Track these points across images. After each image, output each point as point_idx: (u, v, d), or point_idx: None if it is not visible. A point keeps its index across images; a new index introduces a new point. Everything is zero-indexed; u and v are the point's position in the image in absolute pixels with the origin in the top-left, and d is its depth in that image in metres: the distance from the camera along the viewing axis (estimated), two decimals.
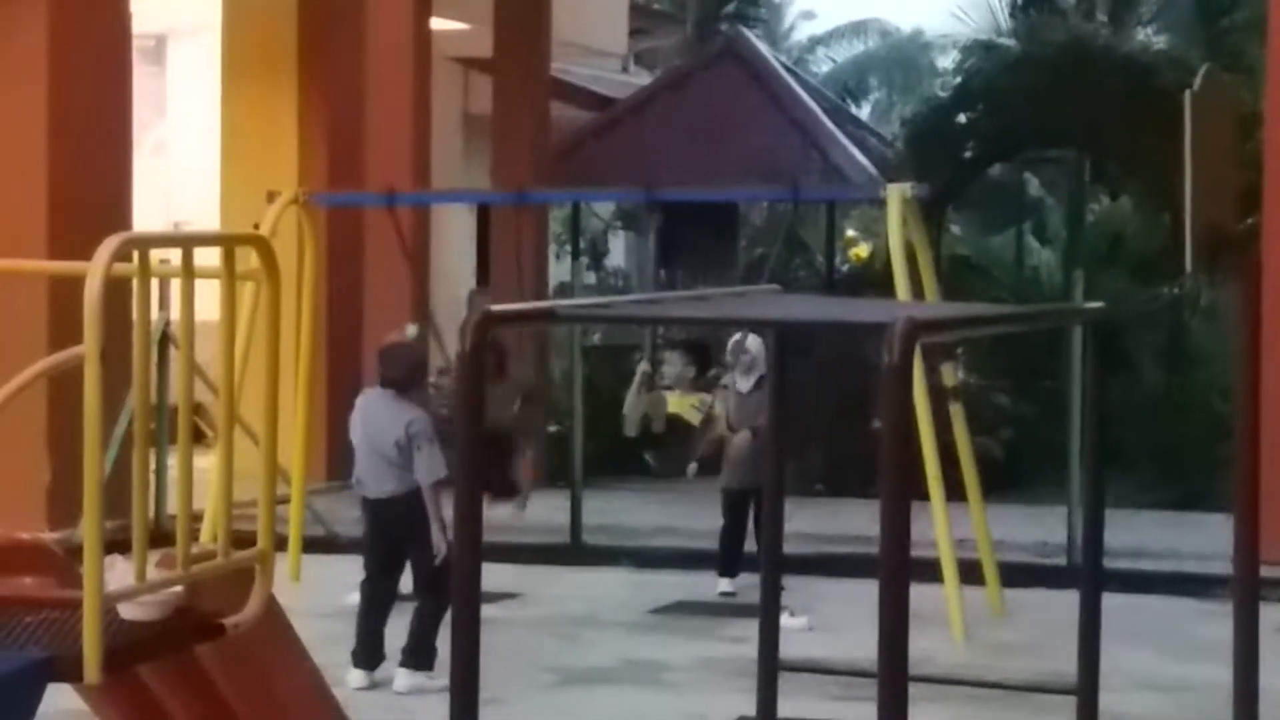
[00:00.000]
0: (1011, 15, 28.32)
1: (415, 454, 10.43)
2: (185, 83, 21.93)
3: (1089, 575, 5.69)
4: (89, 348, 4.58)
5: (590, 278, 23.86)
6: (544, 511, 15.48)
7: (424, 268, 16.56)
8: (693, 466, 13.58)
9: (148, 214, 17.21)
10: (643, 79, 28.06)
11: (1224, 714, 6.86)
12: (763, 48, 25.85)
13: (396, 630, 10.61)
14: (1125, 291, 19.99)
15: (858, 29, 39.12)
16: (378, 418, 10.72)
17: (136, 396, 4.95)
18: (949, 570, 11.98)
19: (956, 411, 12.78)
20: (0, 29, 14.36)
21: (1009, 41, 26.51)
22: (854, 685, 8.72)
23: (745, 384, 13.19)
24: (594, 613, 12.89)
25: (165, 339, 13.93)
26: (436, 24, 17.53)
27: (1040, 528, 15.01)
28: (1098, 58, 22.60)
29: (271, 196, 13.72)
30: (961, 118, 23.40)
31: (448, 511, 9.47)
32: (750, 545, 13.07)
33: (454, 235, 22.03)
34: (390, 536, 10.71)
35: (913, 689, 4.32)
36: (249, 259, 5.31)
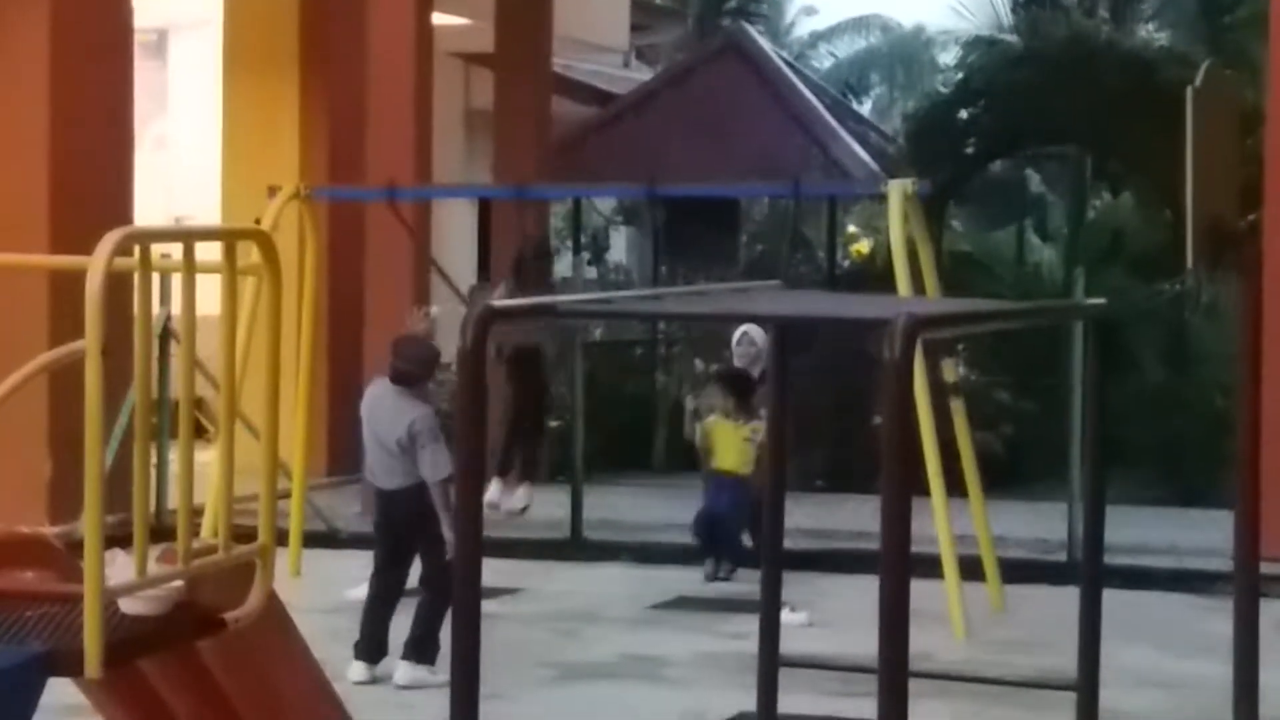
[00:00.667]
0: (1013, 11, 28.29)
1: (420, 452, 10.42)
2: (186, 77, 21.94)
3: (1089, 571, 5.69)
4: (90, 342, 4.58)
5: (591, 273, 23.84)
6: (545, 507, 15.49)
7: (426, 260, 16.54)
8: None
9: (149, 208, 17.22)
10: (644, 74, 28.05)
11: (1224, 710, 6.86)
12: (764, 43, 25.84)
13: (401, 625, 10.61)
14: (1126, 288, 19.98)
15: (859, 24, 39.10)
16: (383, 412, 10.71)
17: (138, 391, 4.95)
18: (949, 566, 11.98)
19: (957, 407, 12.77)
20: (2, 23, 14.36)
21: (1011, 37, 26.49)
22: (854, 681, 8.73)
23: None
24: (594, 608, 12.90)
25: (166, 333, 13.93)
26: (438, 19, 17.52)
27: (1041, 524, 15.01)
28: (1099, 54, 22.58)
29: (273, 191, 13.72)
30: (963, 114, 23.39)
31: None
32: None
33: (455, 231, 22.03)
34: (397, 529, 10.70)
35: (913, 685, 4.32)
36: (250, 254, 5.31)
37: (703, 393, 14.55)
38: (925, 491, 11.67)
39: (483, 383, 4.73)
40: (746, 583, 12.82)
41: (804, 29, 40.11)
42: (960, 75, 25.60)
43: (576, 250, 16.12)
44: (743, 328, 13.66)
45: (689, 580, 13.65)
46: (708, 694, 10.31)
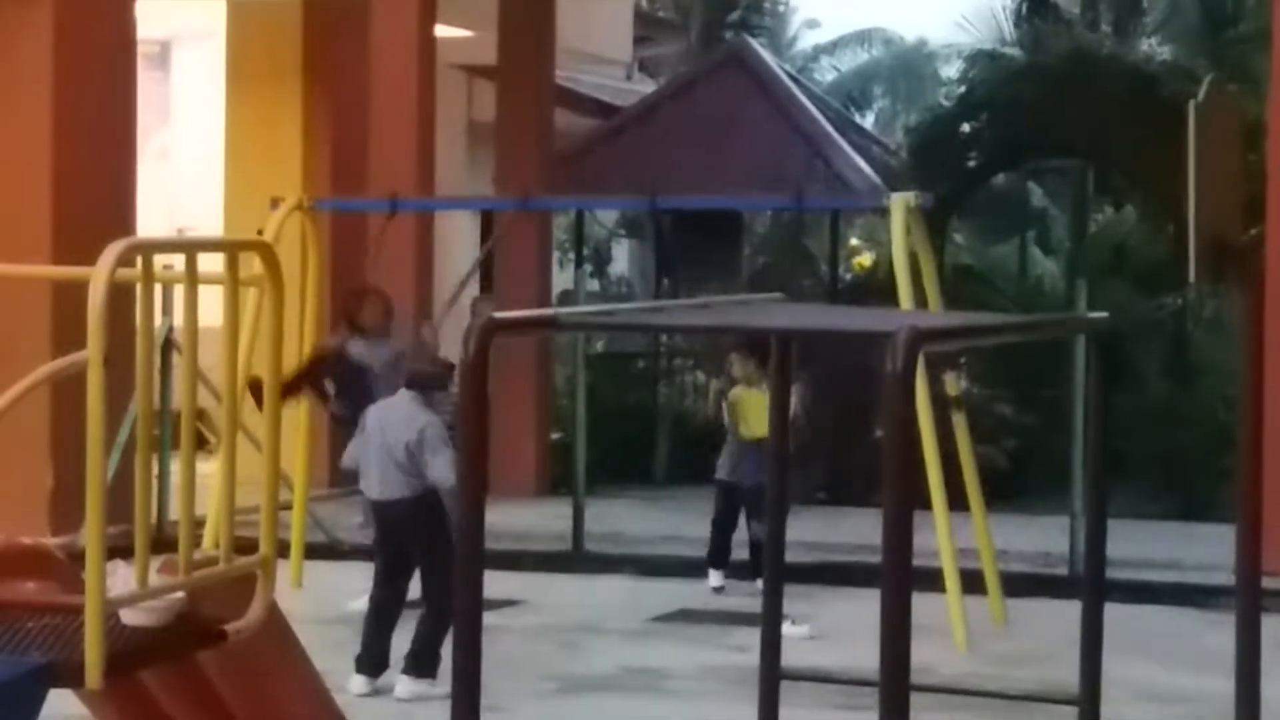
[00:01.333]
0: (1016, 25, 28.30)
1: (431, 458, 10.40)
2: (190, 88, 21.95)
3: (1091, 585, 5.68)
4: (92, 353, 4.58)
5: (594, 285, 23.85)
6: (546, 519, 15.50)
7: (428, 274, 16.55)
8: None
9: (152, 219, 17.20)
10: (647, 87, 28.05)
11: None
12: (767, 56, 25.81)
13: (402, 639, 10.60)
14: (1129, 301, 19.97)
15: (862, 38, 39.12)
16: (396, 417, 10.67)
17: (140, 402, 4.96)
18: (951, 579, 11.98)
19: (959, 421, 12.77)
20: (5, 34, 14.38)
21: (1013, 51, 26.50)
22: (856, 694, 8.73)
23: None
24: (595, 620, 12.89)
25: (168, 344, 13.94)
26: (441, 31, 17.53)
27: (1043, 537, 15.00)
28: (1102, 68, 22.59)
29: (275, 202, 13.72)
30: (965, 127, 23.39)
31: None
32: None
33: (457, 242, 22.03)
34: (394, 540, 10.68)
35: (914, 698, 4.31)
36: (252, 265, 5.31)
37: (724, 372, 14.50)
38: (927, 504, 11.67)
39: (485, 394, 4.73)
40: (748, 595, 12.81)
41: (807, 42, 40.16)
42: (963, 88, 25.59)
43: (579, 263, 16.10)
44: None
45: (690, 593, 13.65)
46: (709, 706, 10.31)
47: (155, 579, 4.88)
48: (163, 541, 5.08)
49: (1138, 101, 20.65)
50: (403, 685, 10.34)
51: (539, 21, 19.26)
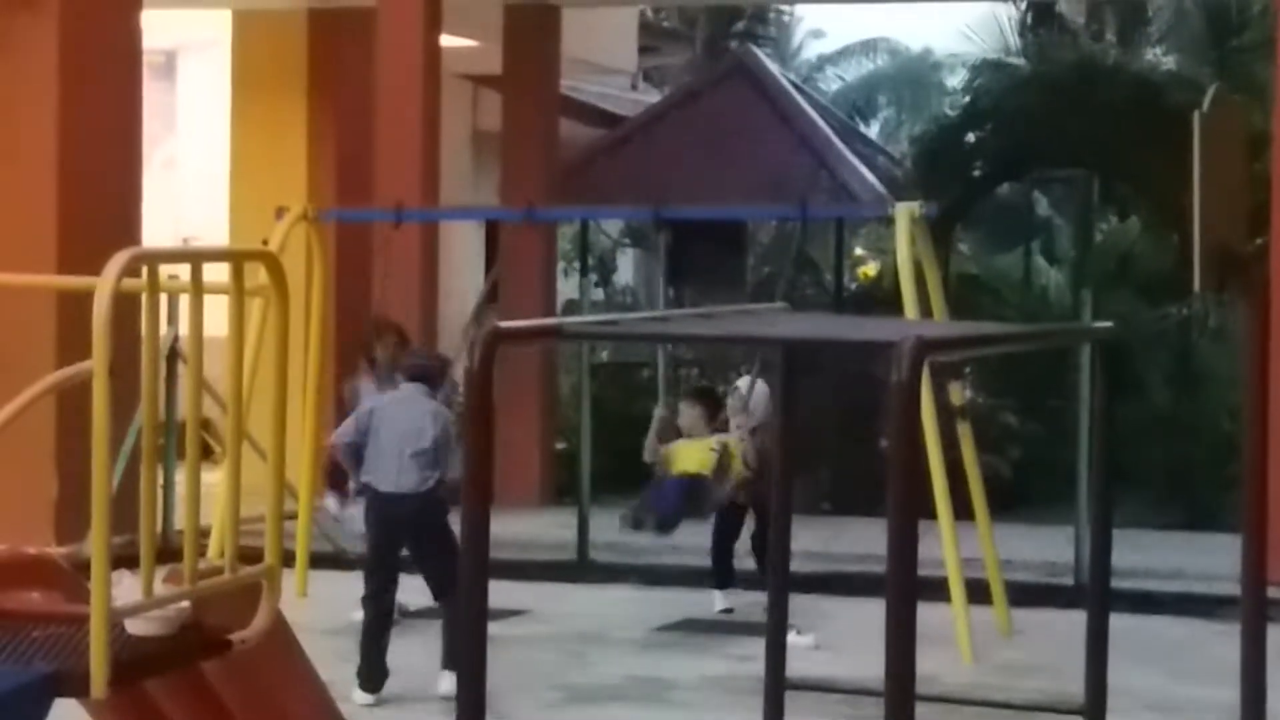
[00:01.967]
0: (1021, 35, 28.29)
1: (456, 447, 10.39)
2: (195, 98, 21.97)
3: (1096, 595, 5.68)
4: (97, 363, 4.59)
5: (598, 295, 23.84)
6: (551, 529, 15.49)
7: (432, 283, 16.54)
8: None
9: (157, 229, 17.23)
10: (652, 97, 28.06)
11: None
12: (772, 66, 25.83)
13: (400, 647, 10.59)
14: (1134, 311, 19.95)
15: (867, 48, 39.09)
16: (411, 410, 10.61)
17: (145, 412, 4.96)
18: (956, 590, 11.97)
19: (964, 430, 12.76)
20: (11, 43, 14.40)
21: (1018, 61, 26.48)
22: (861, 704, 8.72)
23: (738, 434, 13.20)
24: (601, 630, 12.89)
25: (174, 354, 13.94)
26: (446, 41, 17.53)
27: (1048, 547, 14.99)
28: (1107, 77, 22.59)
29: (280, 212, 13.73)
30: (970, 137, 23.38)
31: None
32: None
33: (462, 252, 22.04)
34: (399, 537, 10.62)
35: (919, 708, 4.31)
36: (258, 274, 5.32)
37: (675, 405, 14.33)
38: (932, 514, 11.67)
39: (490, 401, 4.73)
40: (755, 605, 12.81)
41: (811, 52, 40.11)
42: (967, 98, 25.57)
43: (584, 272, 16.09)
44: (737, 382, 13.75)
45: (696, 603, 13.64)
46: (714, 716, 10.30)
47: (160, 588, 4.89)
48: (168, 551, 5.09)
49: (1142, 111, 20.64)
50: (448, 681, 10.11)
51: (544, 31, 19.27)
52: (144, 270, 4.83)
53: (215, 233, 18.98)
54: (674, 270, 23.02)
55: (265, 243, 12.22)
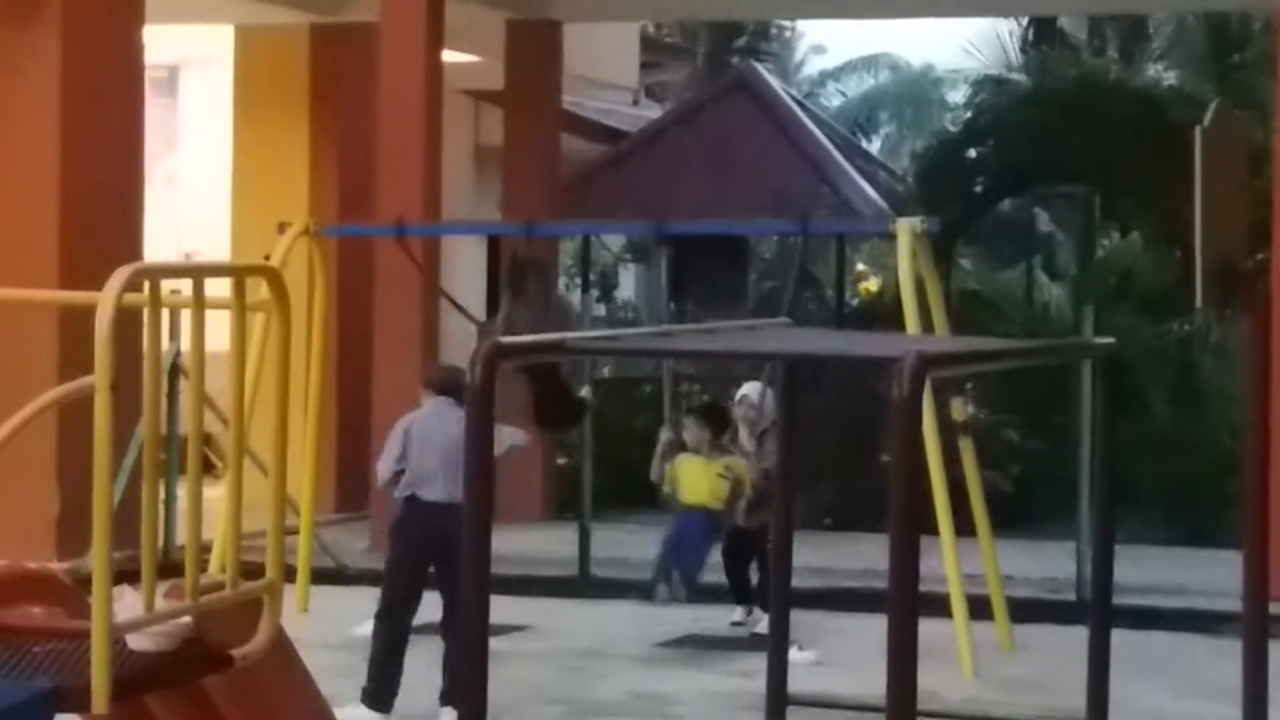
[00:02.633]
0: (1022, 50, 28.32)
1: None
2: (197, 114, 21.99)
3: (1098, 611, 5.67)
4: (99, 378, 4.59)
5: (600, 310, 23.85)
6: (553, 544, 15.47)
7: (434, 299, 16.54)
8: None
9: (159, 245, 17.25)
10: (653, 112, 28.08)
11: None
12: (773, 81, 25.88)
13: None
14: (1135, 327, 19.95)
15: (868, 63, 39.13)
16: (451, 423, 10.48)
17: (147, 427, 4.96)
18: (958, 605, 11.96)
19: (966, 446, 12.76)
20: (14, 59, 14.42)
21: (1019, 76, 26.51)
22: None
23: (750, 442, 13.15)
24: (602, 646, 12.88)
25: (175, 369, 13.94)
26: (448, 56, 17.55)
27: (1049, 563, 14.98)
28: (1108, 93, 22.61)
29: (282, 228, 13.74)
30: (972, 152, 23.41)
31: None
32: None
33: (464, 267, 22.04)
34: (436, 550, 10.43)
35: None
36: (259, 290, 5.32)
37: (680, 425, 14.30)
38: (934, 530, 11.66)
39: (491, 417, 4.73)
40: (758, 621, 12.81)
41: (813, 67, 40.15)
42: (969, 114, 25.60)
43: (585, 288, 16.10)
44: (741, 390, 13.70)
45: (697, 618, 13.62)
46: None
47: (162, 604, 4.88)
48: (169, 566, 5.09)
49: (1144, 127, 20.66)
50: (449, 717, 10.09)
51: (546, 47, 19.29)
52: (146, 285, 4.83)
53: (217, 248, 18.99)
54: (676, 285, 23.05)
55: (267, 258, 12.22)
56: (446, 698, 10.21)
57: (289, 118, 19.23)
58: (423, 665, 10.95)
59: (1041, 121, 21.72)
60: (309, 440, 13.98)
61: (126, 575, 4.86)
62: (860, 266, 28.29)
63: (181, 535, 12.27)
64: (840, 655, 12.04)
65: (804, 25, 37.52)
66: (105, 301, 4.57)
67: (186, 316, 4.99)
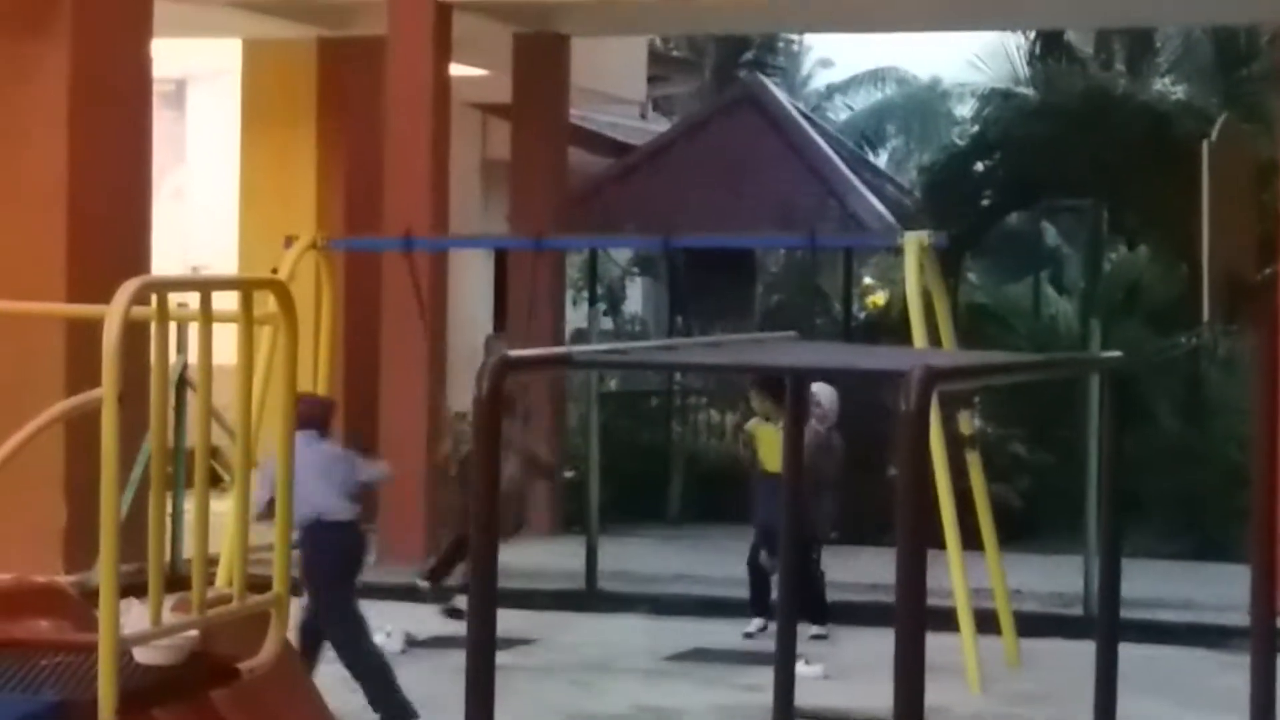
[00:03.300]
0: (1029, 64, 28.30)
1: (362, 482, 10.79)
2: (205, 128, 22.02)
3: (1105, 625, 5.66)
4: (107, 391, 4.59)
5: (607, 324, 23.85)
6: (559, 557, 15.46)
7: (441, 312, 16.57)
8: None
9: (166, 258, 17.25)
10: (661, 126, 28.08)
11: None
12: (781, 95, 25.85)
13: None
14: (1142, 340, 19.93)
15: (875, 77, 39.11)
16: (319, 457, 10.68)
17: (154, 440, 4.96)
18: (965, 619, 11.95)
19: (973, 460, 12.76)
20: (23, 72, 14.43)
21: (1027, 90, 26.49)
22: None
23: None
24: (609, 659, 12.87)
25: (183, 382, 13.95)
26: (455, 70, 17.57)
27: (1056, 577, 14.97)
28: (1115, 107, 22.58)
29: (289, 241, 13.75)
30: (979, 166, 23.38)
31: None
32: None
33: (471, 281, 22.06)
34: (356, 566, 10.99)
35: None
36: (266, 303, 5.32)
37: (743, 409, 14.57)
38: (941, 544, 11.65)
39: (499, 430, 4.72)
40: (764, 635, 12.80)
41: (820, 81, 40.15)
42: (976, 128, 25.59)
43: (593, 301, 16.12)
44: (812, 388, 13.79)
45: (704, 632, 13.62)
46: None
47: (169, 617, 4.88)
48: (176, 580, 5.08)
49: (1151, 141, 20.65)
50: None
51: (553, 60, 19.30)
52: (153, 298, 4.84)
53: (224, 261, 19.00)
54: (683, 299, 23.06)
55: (274, 271, 12.23)
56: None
57: (297, 131, 19.25)
58: (425, 675, 10.96)
59: (1048, 135, 21.70)
60: None
61: (133, 589, 4.86)
62: (867, 280, 28.30)
63: (188, 549, 12.28)
64: (847, 669, 12.03)
65: (811, 39, 37.53)
66: (113, 314, 4.57)
67: (194, 330, 4.99)
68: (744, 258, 24.37)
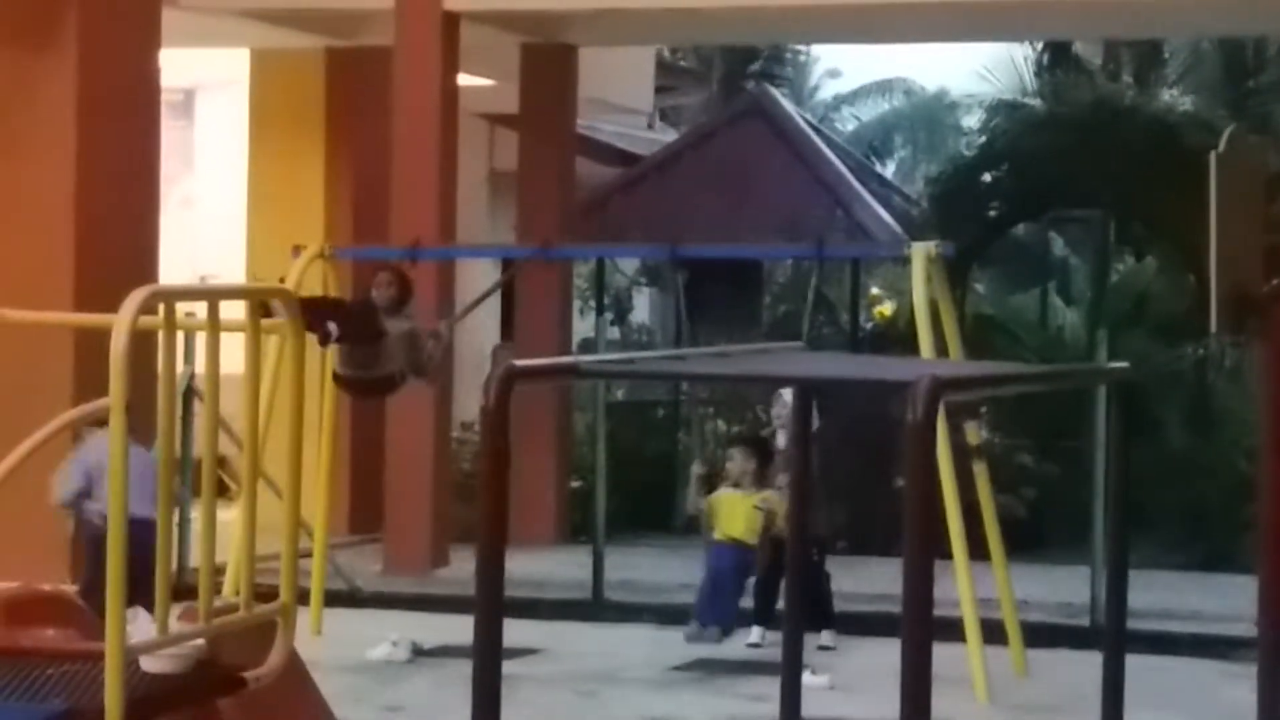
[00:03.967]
0: (1037, 75, 28.32)
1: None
2: (213, 137, 22.03)
3: (1112, 636, 5.66)
4: (114, 400, 4.60)
5: (614, 334, 23.85)
6: (565, 567, 15.46)
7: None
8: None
9: (174, 267, 17.26)
10: (668, 136, 28.10)
11: None
12: (788, 106, 25.88)
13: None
14: (1149, 352, 19.92)
15: (883, 88, 39.14)
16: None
17: (161, 449, 4.96)
18: (972, 630, 11.94)
19: (980, 470, 12.75)
20: (31, 82, 14.45)
21: (1034, 101, 26.49)
22: None
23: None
24: (615, 669, 12.86)
25: (190, 391, 13.96)
26: (463, 80, 17.58)
27: (1064, 588, 14.95)
28: (1123, 118, 22.58)
29: (297, 250, 13.76)
30: (986, 177, 23.38)
31: None
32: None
33: (478, 291, 22.06)
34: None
35: None
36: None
37: (723, 455, 14.36)
38: (947, 554, 11.64)
39: (506, 440, 4.73)
40: (769, 645, 12.78)
41: (828, 92, 40.18)
42: (983, 139, 25.58)
43: (600, 311, 16.13)
44: (779, 392, 13.69)
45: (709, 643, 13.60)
46: None
47: (175, 626, 4.89)
48: (183, 588, 5.09)
49: (1159, 152, 20.64)
50: None
51: (561, 71, 19.31)
52: (161, 308, 4.84)
53: (232, 270, 19.01)
54: (690, 309, 23.05)
55: (282, 280, 12.23)
56: None
57: (304, 141, 19.26)
58: (430, 684, 10.97)
59: (1056, 146, 21.69)
60: (323, 463, 14.00)
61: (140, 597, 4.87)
62: (874, 291, 28.29)
63: (195, 557, 12.28)
64: (854, 679, 12.02)
65: (819, 50, 37.57)
66: (120, 324, 4.57)
67: (201, 339, 4.99)
68: (751, 268, 24.37)
